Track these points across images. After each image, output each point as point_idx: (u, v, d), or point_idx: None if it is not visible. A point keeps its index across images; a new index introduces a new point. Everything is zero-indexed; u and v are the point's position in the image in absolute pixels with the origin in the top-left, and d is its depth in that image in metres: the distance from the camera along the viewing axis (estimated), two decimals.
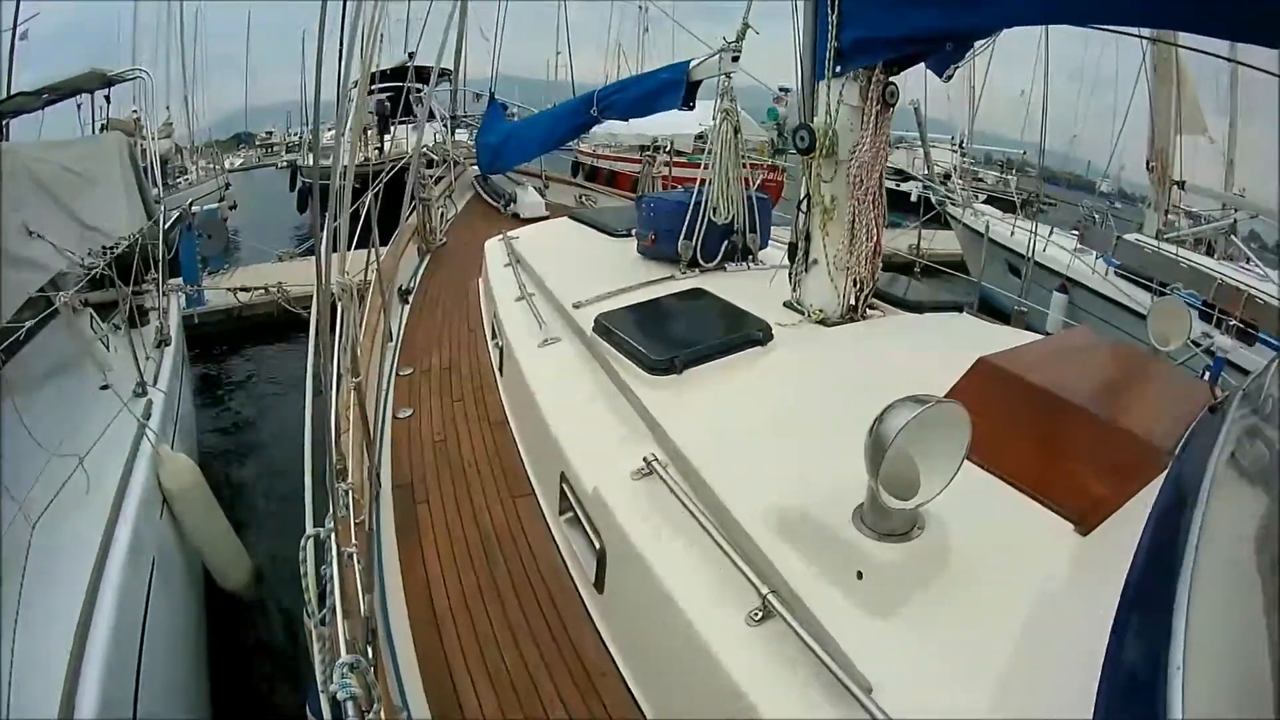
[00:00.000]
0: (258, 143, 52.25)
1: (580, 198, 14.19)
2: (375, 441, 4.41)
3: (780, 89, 19.52)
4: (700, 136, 23.48)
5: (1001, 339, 4.02)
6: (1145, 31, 3.10)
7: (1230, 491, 1.86)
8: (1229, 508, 1.79)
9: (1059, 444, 2.74)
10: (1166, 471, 2.48)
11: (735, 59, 5.16)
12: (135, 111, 17.81)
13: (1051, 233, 14.61)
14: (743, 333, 4.00)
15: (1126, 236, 14.60)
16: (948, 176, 21.48)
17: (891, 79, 4.06)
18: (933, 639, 2.04)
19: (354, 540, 3.15)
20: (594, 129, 7.07)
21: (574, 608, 3.27)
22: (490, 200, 12.61)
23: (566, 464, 3.56)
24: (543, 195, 12.50)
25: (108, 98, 15.72)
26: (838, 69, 4.06)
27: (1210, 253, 15.04)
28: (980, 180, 28.23)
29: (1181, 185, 15.48)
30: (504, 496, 4.11)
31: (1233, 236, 15.04)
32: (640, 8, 38.49)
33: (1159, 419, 2.90)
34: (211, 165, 28.31)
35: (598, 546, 3.14)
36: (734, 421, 3.32)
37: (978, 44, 4.18)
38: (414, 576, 3.59)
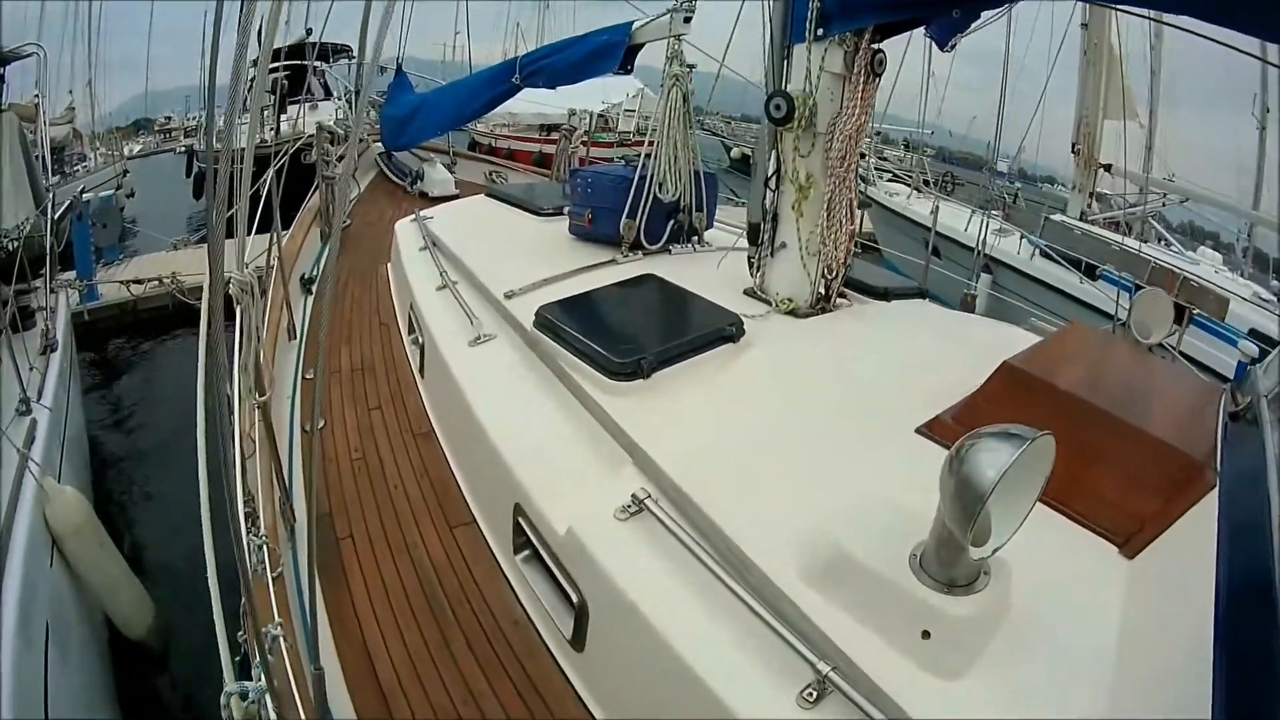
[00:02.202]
0: (156, 128, 50.24)
1: (490, 174, 13.48)
2: (285, 466, 3.83)
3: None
4: (603, 115, 22.98)
5: (975, 327, 4.21)
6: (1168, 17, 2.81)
7: None
8: None
9: (1095, 458, 2.49)
10: (1216, 490, 2.39)
11: (688, 19, 4.67)
12: (36, 96, 16.78)
13: (974, 214, 14.55)
14: (712, 328, 3.55)
15: (1054, 218, 14.63)
16: (862, 155, 21.47)
17: (879, 45, 3.64)
18: (1016, 702, 1.76)
19: (277, 616, 2.57)
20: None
21: (547, 669, 2.76)
22: (395, 178, 11.91)
23: (523, 495, 2.99)
24: (451, 172, 11.85)
25: (2, 78, 14.73)
26: (820, 31, 3.59)
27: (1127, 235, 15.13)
28: (885, 160, 28.40)
29: (1108, 168, 15.52)
30: (440, 526, 3.53)
31: (1150, 221, 15.17)
32: None
33: (1188, 427, 2.80)
34: (111, 152, 27.07)
35: (575, 600, 2.61)
36: (725, 438, 2.85)
37: (986, 14, 3.73)
38: (348, 636, 2.98)
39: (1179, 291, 9.73)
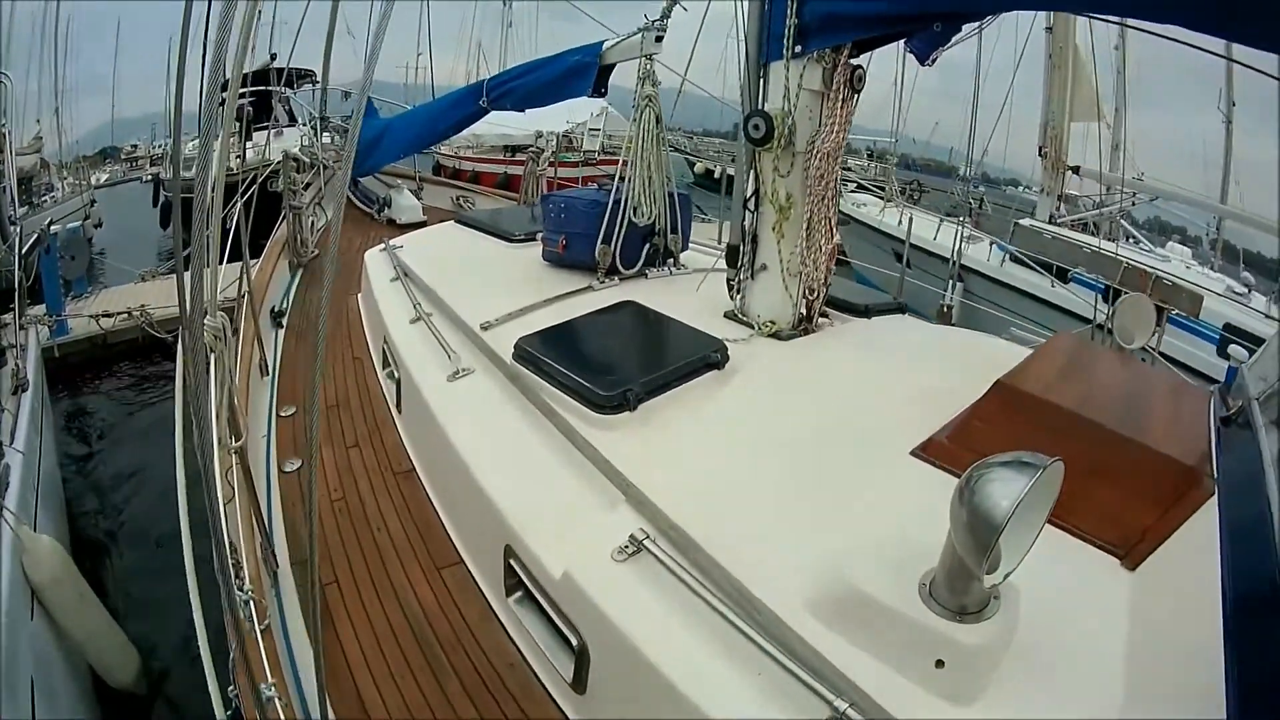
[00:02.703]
0: (123, 156, 49.55)
1: (458, 199, 13.40)
2: (265, 509, 3.71)
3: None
4: (568, 135, 22.85)
5: (958, 341, 4.24)
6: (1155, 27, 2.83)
7: None
8: None
9: (1092, 472, 2.45)
10: (1215, 497, 2.41)
11: (659, 39, 4.59)
12: (2, 125, 16.50)
13: (942, 222, 14.59)
14: (697, 355, 3.48)
15: (1023, 222, 14.69)
16: None
17: (858, 61, 3.59)
18: None
19: (269, 675, 2.48)
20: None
21: (547, 713, 2.67)
22: (362, 206, 11.73)
23: (513, 536, 2.89)
24: (418, 198, 11.72)
25: None
26: (798, 48, 3.52)
27: (1094, 235, 15.25)
28: (849, 170, 28.52)
29: (1075, 170, 15.63)
30: (427, 568, 3.41)
31: (1119, 220, 15.28)
32: (504, 3, 38.02)
33: (1181, 435, 2.84)
34: (78, 182, 26.71)
35: (575, 643, 2.52)
36: (720, 471, 2.79)
37: (966, 27, 3.68)
38: (340, 687, 2.87)
39: (1152, 291, 9.78)
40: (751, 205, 3.97)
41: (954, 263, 11.32)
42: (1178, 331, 10.10)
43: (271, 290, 7.23)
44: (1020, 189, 33.22)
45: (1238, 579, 1.93)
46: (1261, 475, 2.29)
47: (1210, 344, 10.49)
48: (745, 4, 3.80)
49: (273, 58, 16.40)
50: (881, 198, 17.95)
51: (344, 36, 13.51)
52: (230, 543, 3.00)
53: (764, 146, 3.71)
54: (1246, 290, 12.64)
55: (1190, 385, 4.04)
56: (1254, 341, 8.99)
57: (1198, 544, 2.19)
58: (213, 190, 2.72)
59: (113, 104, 44.63)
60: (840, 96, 3.55)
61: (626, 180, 4.80)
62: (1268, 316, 11.16)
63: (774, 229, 3.87)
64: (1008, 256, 13.02)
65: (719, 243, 6.70)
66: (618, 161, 4.91)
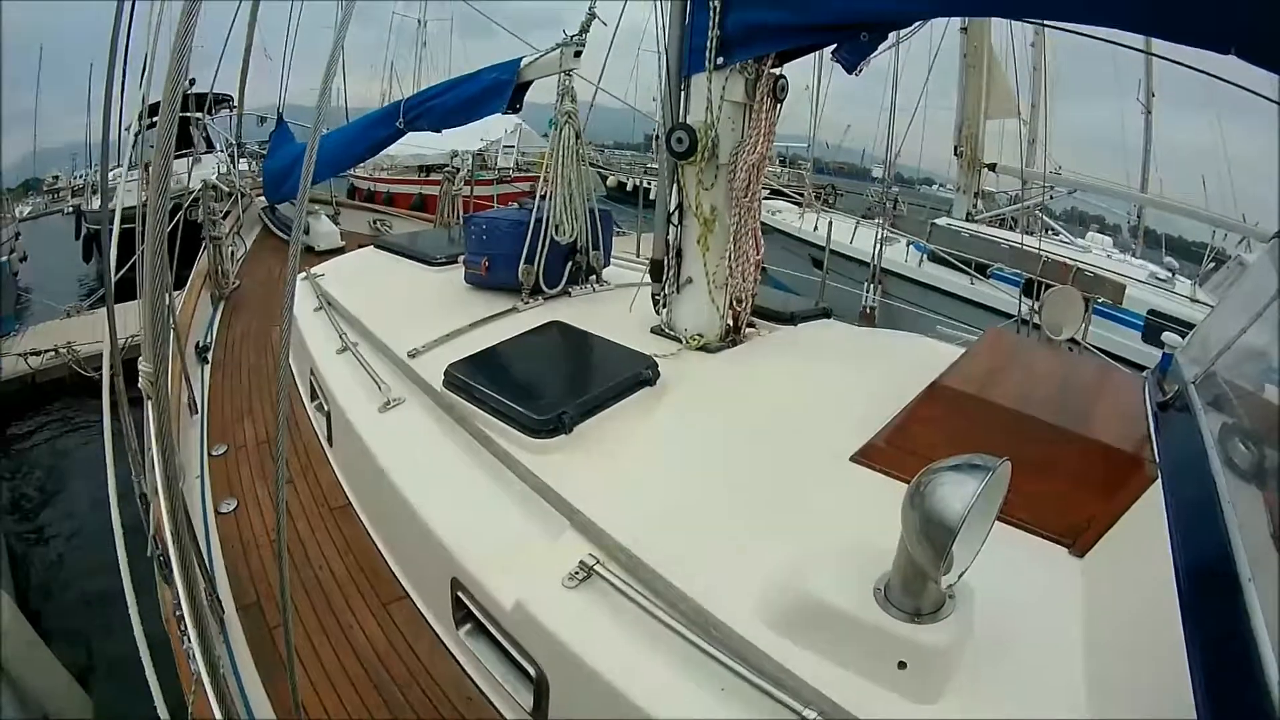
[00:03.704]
0: (45, 188, 48.34)
1: (375, 223, 13.27)
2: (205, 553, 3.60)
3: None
4: (481, 154, 22.70)
5: (887, 342, 4.30)
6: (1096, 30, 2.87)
7: (1243, 495, 1.98)
8: (1250, 509, 1.90)
9: (1034, 465, 2.42)
10: (1158, 481, 2.46)
11: (578, 54, 4.54)
12: None
13: (859, 225, 14.71)
14: (628, 374, 3.44)
15: (938, 221, 14.83)
16: None
17: (780, 71, 3.59)
18: (1003, 715, 1.81)
19: None
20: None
21: None
22: (281, 233, 11.46)
23: (458, 568, 2.80)
24: (336, 223, 11.56)
25: None
26: (720, 60, 3.50)
27: (1012, 230, 15.47)
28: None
29: (993, 168, 15.84)
30: (374, 604, 3.31)
31: (1037, 214, 15.51)
32: (419, 22, 37.88)
33: (1120, 423, 2.91)
34: (3, 215, 25.87)
35: (533, 673, 2.44)
36: (662, 490, 2.77)
37: (893, 35, 3.68)
38: None
39: (1073, 282, 9.93)
40: (675, 219, 3.94)
41: (875, 265, 11.39)
42: (1101, 320, 10.25)
43: (196, 326, 7.03)
44: (935, 187, 33.68)
45: (1189, 559, 1.96)
46: (1204, 457, 2.33)
47: (1135, 331, 10.67)
48: (665, 16, 3.77)
49: (191, 83, 16.02)
50: (798, 204, 18.02)
51: (261, 58, 13.24)
52: (176, 591, 2.91)
53: (688, 160, 3.68)
54: (1170, 275, 12.88)
55: (1123, 372, 4.11)
56: (1181, 326, 9.13)
57: (1144, 528, 2.23)
58: (152, 224, 2.62)
59: (35, 134, 43.51)
60: (764, 107, 3.54)
61: (547, 198, 4.75)
62: (1193, 301, 11.37)
63: (699, 242, 3.85)
64: (925, 256, 13.13)
65: (638, 255, 6.66)
66: (532, 178, 4.85)
